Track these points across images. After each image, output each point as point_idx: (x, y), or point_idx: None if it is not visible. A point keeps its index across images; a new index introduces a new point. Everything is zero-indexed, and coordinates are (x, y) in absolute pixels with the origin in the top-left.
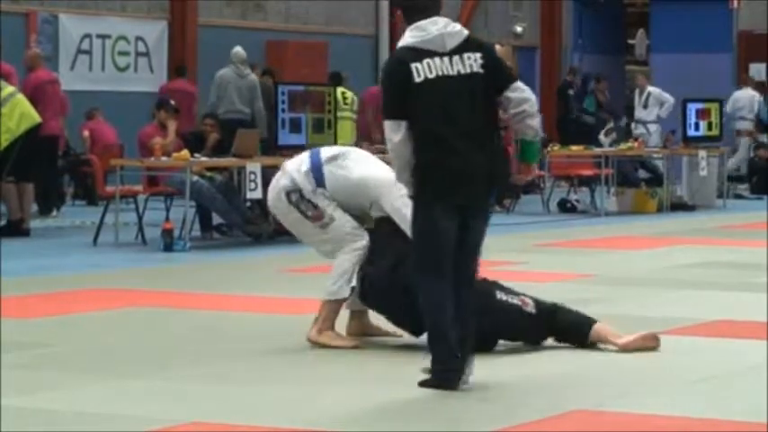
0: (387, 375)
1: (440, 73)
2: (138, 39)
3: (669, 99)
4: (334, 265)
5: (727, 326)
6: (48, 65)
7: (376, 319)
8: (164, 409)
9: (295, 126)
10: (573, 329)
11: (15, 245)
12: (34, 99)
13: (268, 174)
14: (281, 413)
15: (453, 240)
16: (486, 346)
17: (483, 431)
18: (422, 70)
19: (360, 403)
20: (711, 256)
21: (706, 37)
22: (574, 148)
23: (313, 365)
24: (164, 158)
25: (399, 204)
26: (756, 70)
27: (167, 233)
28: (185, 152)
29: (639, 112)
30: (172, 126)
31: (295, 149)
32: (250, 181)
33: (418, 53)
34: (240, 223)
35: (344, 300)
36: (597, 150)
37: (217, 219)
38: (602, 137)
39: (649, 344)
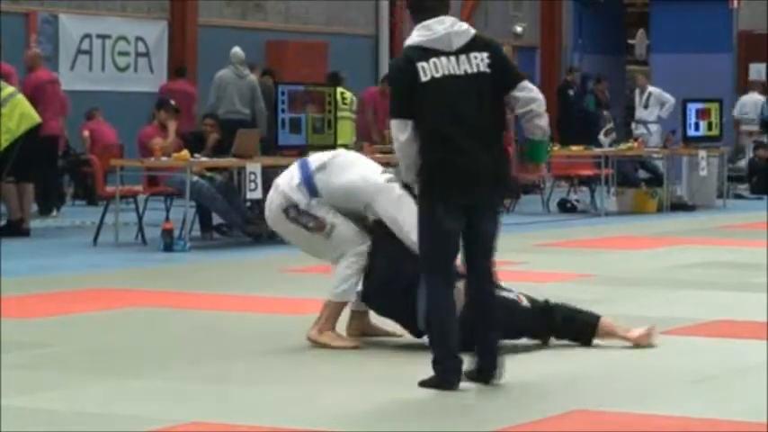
0: (387, 375)
1: (446, 72)
2: (138, 39)
3: (670, 99)
4: (338, 268)
5: (727, 326)
6: (48, 65)
7: (376, 319)
8: (164, 409)
9: (295, 126)
10: (576, 327)
11: (15, 245)
12: (34, 99)
13: (268, 174)
14: (281, 413)
15: (458, 241)
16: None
17: (483, 431)
18: (428, 69)
19: (360, 403)
20: (711, 256)
21: (706, 37)
22: (574, 148)
23: (313, 365)
24: (164, 158)
25: (391, 209)
26: (756, 70)
27: (167, 233)
28: (185, 152)
29: (640, 113)
30: (172, 127)
31: (295, 149)
32: (250, 181)
33: (425, 52)
34: (240, 223)
35: (348, 302)
36: (597, 150)
37: (217, 219)
38: (602, 137)
39: (654, 338)
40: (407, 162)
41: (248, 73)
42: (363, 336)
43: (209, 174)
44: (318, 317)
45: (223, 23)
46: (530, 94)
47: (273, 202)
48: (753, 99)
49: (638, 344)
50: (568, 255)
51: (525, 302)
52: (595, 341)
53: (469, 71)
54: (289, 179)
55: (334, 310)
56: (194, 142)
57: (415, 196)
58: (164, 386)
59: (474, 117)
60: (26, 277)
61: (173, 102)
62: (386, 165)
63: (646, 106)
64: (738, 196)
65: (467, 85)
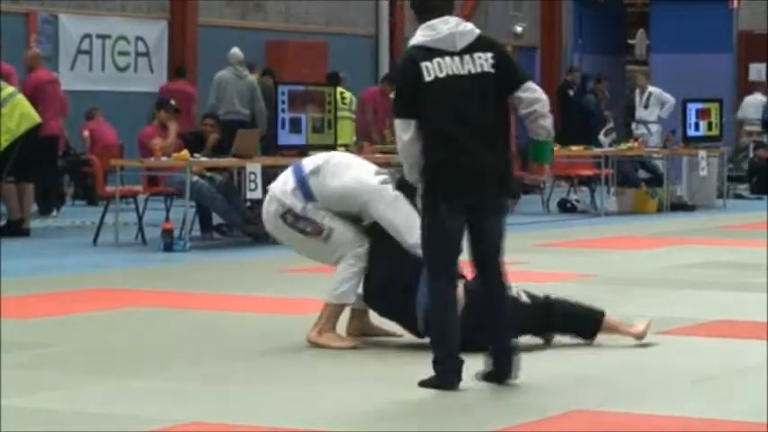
0: (387, 375)
1: (450, 72)
2: (138, 39)
3: (670, 99)
4: (338, 270)
5: (727, 326)
6: (48, 65)
7: (376, 319)
8: (164, 409)
9: (295, 126)
10: (577, 322)
11: (15, 245)
12: (34, 99)
13: (268, 174)
14: (281, 413)
15: (461, 241)
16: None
17: (483, 431)
18: (432, 69)
19: (360, 403)
20: (711, 256)
21: (706, 37)
22: (574, 148)
23: (313, 365)
24: (164, 158)
25: (386, 211)
26: (756, 70)
27: (167, 233)
28: (185, 152)
29: (640, 113)
30: (173, 128)
31: (295, 149)
32: (250, 181)
33: (429, 52)
34: (240, 223)
35: (348, 304)
36: (597, 150)
37: (217, 219)
38: (602, 137)
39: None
40: (411, 162)
41: (247, 73)
42: (363, 336)
43: (209, 174)
44: (318, 318)
45: (223, 23)
46: (534, 94)
47: (269, 208)
48: (756, 100)
49: (641, 338)
50: (568, 255)
51: (525, 298)
52: (599, 336)
53: (473, 71)
54: (282, 185)
55: (333, 311)
56: (194, 142)
57: (409, 197)
58: (164, 386)
59: (478, 117)
60: (26, 277)
61: (173, 102)
62: (386, 165)
63: (646, 106)
64: (738, 196)
65: (470, 85)
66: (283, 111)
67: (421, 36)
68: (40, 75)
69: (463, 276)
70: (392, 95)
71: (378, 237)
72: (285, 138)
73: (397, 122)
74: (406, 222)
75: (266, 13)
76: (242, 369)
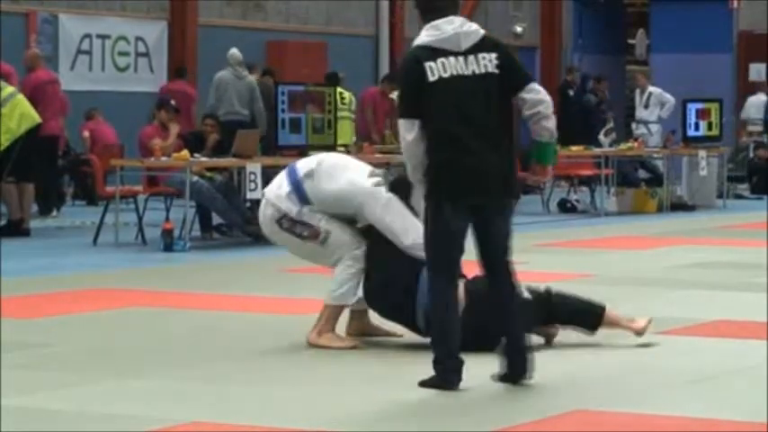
0: (387, 375)
1: (454, 72)
2: (138, 39)
3: (670, 99)
4: (336, 272)
5: (727, 326)
6: (48, 65)
7: (376, 319)
8: (164, 409)
9: (295, 126)
10: (577, 313)
11: (15, 245)
12: (34, 99)
13: (268, 174)
14: (281, 413)
15: (464, 241)
16: (491, 341)
17: (483, 431)
18: (436, 69)
19: (360, 403)
20: (711, 256)
21: (706, 37)
22: (574, 148)
23: (313, 365)
24: (164, 158)
25: (380, 213)
26: (756, 70)
27: (167, 233)
28: (185, 152)
29: (641, 113)
30: (174, 129)
31: (295, 149)
32: (250, 181)
33: (433, 52)
34: (240, 223)
35: (347, 306)
36: (597, 150)
37: (217, 219)
38: (602, 137)
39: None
40: (414, 162)
41: (246, 74)
42: (363, 336)
43: (209, 174)
44: (317, 319)
45: (223, 23)
46: (537, 95)
47: (265, 213)
48: (759, 100)
49: (640, 334)
50: (568, 255)
51: (526, 294)
52: (600, 336)
53: (477, 71)
54: (277, 189)
55: (332, 312)
56: (194, 142)
57: (402, 198)
58: (164, 386)
59: (482, 117)
60: (26, 277)
61: (173, 102)
62: (386, 164)
63: (646, 106)
64: (738, 196)
65: (474, 85)
66: (283, 111)
67: (425, 36)
68: (40, 75)
69: (463, 276)
70: (392, 96)
71: (375, 238)
72: (285, 138)
73: (401, 122)
74: (401, 224)
75: (266, 13)
76: (242, 369)
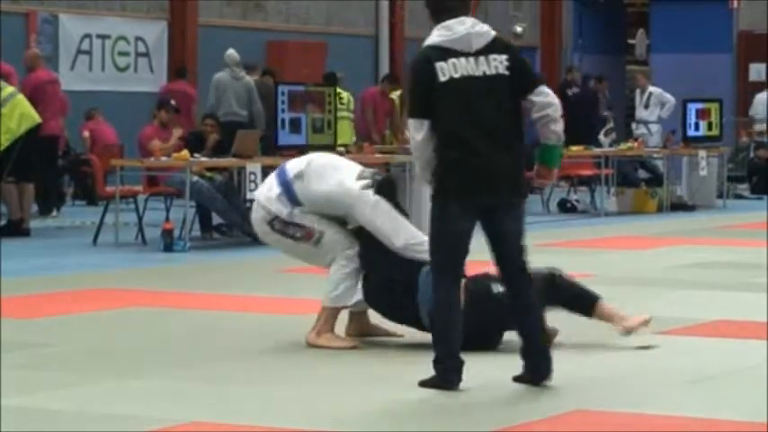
0: (387, 375)
1: (465, 73)
2: (138, 39)
3: (670, 99)
4: (331, 273)
5: (727, 326)
6: (48, 65)
7: (376, 318)
8: (164, 409)
9: (295, 126)
10: (579, 298)
11: (15, 245)
12: (34, 99)
13: (268, 174)
14: (281, 413)
15: (469, 242)
16: (490, 341)
17: (483, 431)
18: (447, 70)
19: (360, 403)
20: (711, 256)
21: (706, 37)
22: (574, 148)
23: (313, 365)
24: (164, 158)
25: (369, 216)
26: (756, 70)
27: (167, 233)
28: (185, 152)
29: (641, 113)
30: (177, 133)
31: (295, 149)
32: (250, 181)
33: (444, 52)
34: (240, 223)
35: (345, 307)
36: (597, 150)
37: (217, 219)
38: (602, 137)
39: (646, 327)
40: (423, 162)
41: (244, 74)
42: (363, 336)
43: (209, 174)
44: (316, 321)
45: (223, 23)
46: (546, 98)
47: (256, 215)
48: (765, 98)
49: (629, 332)
50: (568, 255)
51: None
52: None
53: (488, 72)
54: (267, 191)
55: (330, 313)
56: (194, 142)
57: (389, 200)
58: (164, 386)
59: (492, 118)
60: (26, 277)
61: (173, 102)
62: (385, 164)
63: (646, 106)
64: (738, 196)
65: (485, 86)
66: (283, 111)
67: (437, 36)
68: (40, 75)
69: (464, 276)
70: (392, 96)
71: (368, 238)
72: (285, 138)
73: (411, 122)
74: (391, 226)
75: (266, 13)
76: (242, 369)
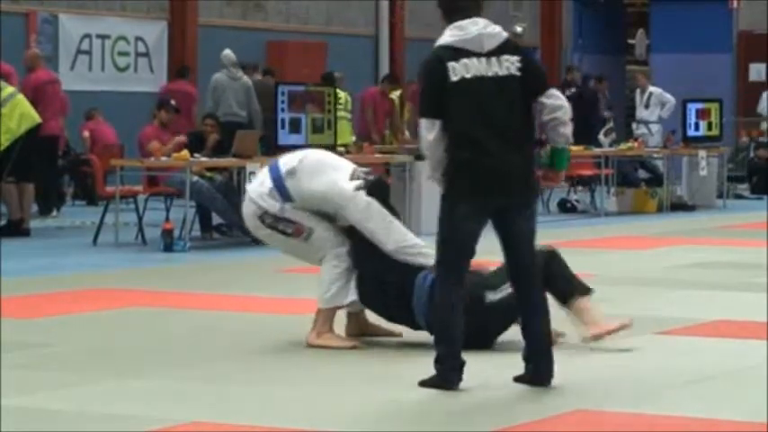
0: (387, 375)
1: (476, 73)
2: (138, 39)
3: (671, 99)
4: (322, 273)
5: (727, 326)
6: (48, 65)
7: (374, 317)
8: (164, 409)
9: (295, 126)
10: (565, 282)
11: (15, 245)
12: (34, 99)
13: None
14: (281, 413)
15: (475, 243)
16: (481, 346)
17: (483, 431)
18: (459, 70)
19: (360, 403)
20: (711, 256)
21: (706, 37)
22: (574, 148)
23: (313, 365)
24: (164, 158)
25: (361, 217)
26: (756, 70)
27: (167, 233)
28: (185, 152)
29: (641, 113)
30: (180, 139)
31: (295, 149)
32: (250, 181)
33: (456, 52)
34: (240, 223)
35: (340, 307)
36: (597, 150)
37: (217, 219)
38: (601, 137)
39: (622, 329)
40: (434, 161)
41: (242, 75)
42: (362, 335)
43: (209, 174)
44: (314, 322)
45: (223, 23)
46: (557, 101)
47: (247, 210)
48: None
49: (596, 339)
50: (568, 255)
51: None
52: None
53: (500, 73)
54: (258, 186)
55: (327, 314)
56: (194, 142)
57: (381, 202)
58: (164, 386)
59: (503, 119)
60: (26, 277)
61: (173, 102)
62: (385, 164)
63: (647, 106)
64: (738, 196)
65: (496, 86)
66: (283, 111)
67: (449, 36)
68: (40, 75)
69: None
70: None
71: (359, 238)
72: (285, 138)
73: (422, 122)
74: (382, 229)
75: (266, 13)
76: (242, 369)
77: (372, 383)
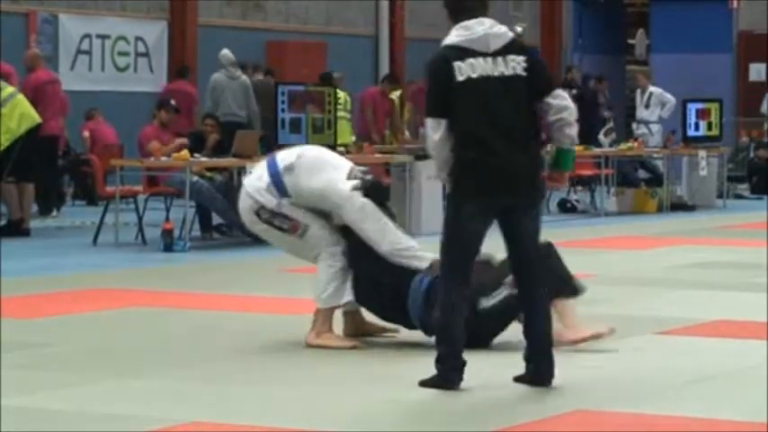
0: (387, 375)
1: (482, 73)
2: (138, 39)
3: (671, 99)
4: (318, 273)
5: (727, 326)
6: (48, 65)
7: (370, 316)
8: (164, 409)
9: (295, 126)
10: (555, 280)
11: (15, 245)
12: (34, 99)
13: None
14: (281, 413)
15: (481, 243)
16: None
17: (483, 431)
18: (465, 69)
19: (360, 403)
20: (711, 256)
21: (706, 37)
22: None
23: (313, 365)
24: (164, 158)
25: (356, 218)
26: (756, 70)
27: (167, 233)
28: (185, 152)
29: (641, 113)
30: (182, 141)
31: None
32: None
33: (462, 52)
34: (240, 223)
35: (338, 306)
36: (597, 150)
37: (217, 219)
38: (601, 137)
39: (595, 338)
40: (440, 161)
41: (240, 74)
42: (360, 335)
43: (209, 174)
44: (313, 323)
45: (223, 23)
46: (563, 102)
47: (244, 204)
48: None
49: (573, 344)
50: (568, 255)
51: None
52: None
53: (506, 73)
54: (256, 180)
55: (325, 314)
56: (194, 142)
57: (377, 203)
58: (164, 386)
59: (509, 119)
60: (26, 277)
61: (173, 102)
62: (385, 164)
63: (647, 106)
64: (738, 196)
65: (502, 86)
66: (283, 111)
67: (455, 36)
68: (40, 75)
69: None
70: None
71: (355, 239)
72: (285, 138)
73: (428, 121)
74: (376, 230)
75: (266, 13)
76: (242, 369)
77: (372, 383)
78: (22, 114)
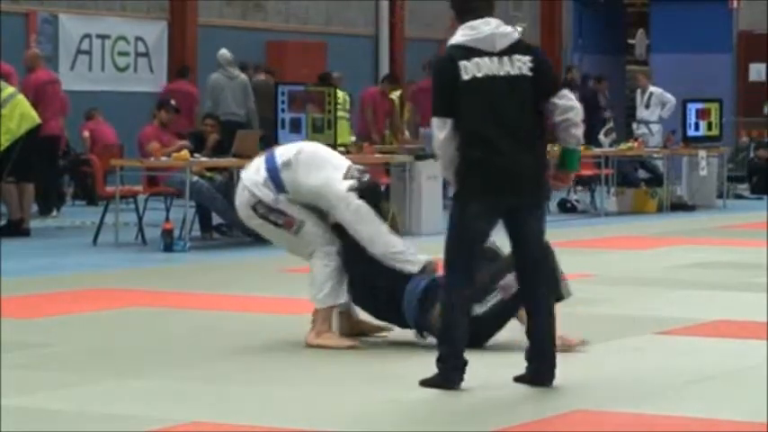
0: (386, 375)
1: (488, 73)
2: (138, 39)
3: (671, 99)
4: (313, 273)
5: (727, 326)
6: (48, 65)
7: (366, 314)
8: (164, 409)
9: (295, 126)
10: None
11: (15, 245)
12: (34, 99)
13: None
14: (281, 413)
15: (485, 242)
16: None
17: (483, 431)
18: (470, 69)
19: (360, 403)
20: (711, 256)
21: (706, 37)
22: None
23: (312, 365)
24: (164, 158)
25: (350, 218)
26: (756, 70)
27: (167, 233)
28: (185, 152)
29: (641, 113)
30: (184, 143)
31: None
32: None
33: (468, 52)
34: (240, 223)
35: (335, 306)
36: (597, 150)
37: (217, 219)
38: (601, 137)
39: (569, 346)
40: (445, 160)
41: (238, 73)
42: (356, 334)
43: (209, 174)
44: (312, 323)
45: (223, 23)
46: (569, 102)
47: (241, 197)
48: None
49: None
50: (568, 255)
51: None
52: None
53: (512, 73)
54: (254, 174)
55: (325, 314)
56: (194, 142)
57: (372, 205)
58: (164, 386)
59: (515, 118)
60: (26, 277)
61: (173, 102)
62: (385, 164)
63: (647, 106)
64: (738, 196)
65: (508, 86)
66: (283, 111)
67: (461, 36)
68: (40, 75)
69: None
70: (392, 96)
71: (349, 241)
72: (285, 137)
73: (434, 120)
74: (370, 233)
75: (266, 13)
76: (242, 369)
77: (372, 383)
78: (23, 115)
